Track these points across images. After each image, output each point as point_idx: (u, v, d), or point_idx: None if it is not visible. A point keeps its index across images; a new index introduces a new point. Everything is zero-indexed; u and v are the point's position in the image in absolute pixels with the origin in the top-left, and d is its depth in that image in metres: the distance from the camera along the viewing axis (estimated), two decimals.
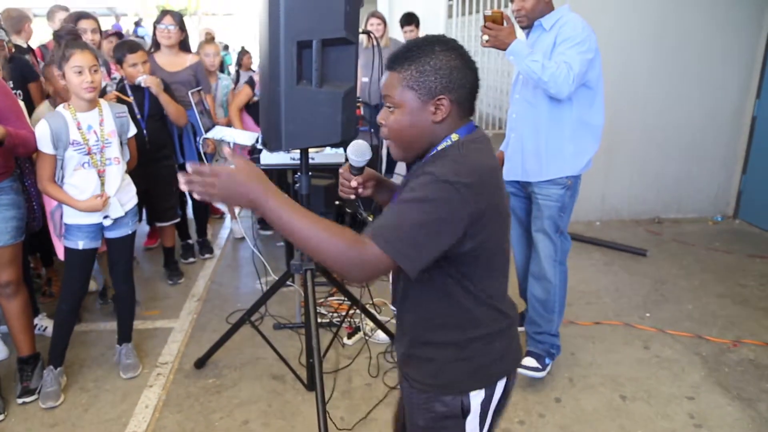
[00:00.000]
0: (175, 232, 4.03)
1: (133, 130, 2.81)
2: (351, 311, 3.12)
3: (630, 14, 4.71)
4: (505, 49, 2.52)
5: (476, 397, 1.33)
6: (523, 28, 2.71)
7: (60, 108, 2.58)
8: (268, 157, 3.01)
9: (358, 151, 1.48)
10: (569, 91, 2.46)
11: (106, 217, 2.64)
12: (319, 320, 3.30)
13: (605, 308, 3.49)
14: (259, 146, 3.14)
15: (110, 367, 2.92)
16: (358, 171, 1.49)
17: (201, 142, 3.30)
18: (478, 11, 7.71)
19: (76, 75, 2.46)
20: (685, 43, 4.83)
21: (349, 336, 3.14)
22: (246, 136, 3.21)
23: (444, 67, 1.21)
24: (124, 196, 2.72)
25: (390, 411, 2.57)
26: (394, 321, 3.19)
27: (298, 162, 2.97)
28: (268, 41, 2.11)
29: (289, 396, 2.70)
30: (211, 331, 3.24)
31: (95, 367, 2.94)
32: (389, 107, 1.27)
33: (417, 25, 5.34)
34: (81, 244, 2.65)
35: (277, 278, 3.09)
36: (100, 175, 2.61)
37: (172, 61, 3.85)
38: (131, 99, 3.30)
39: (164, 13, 3.87)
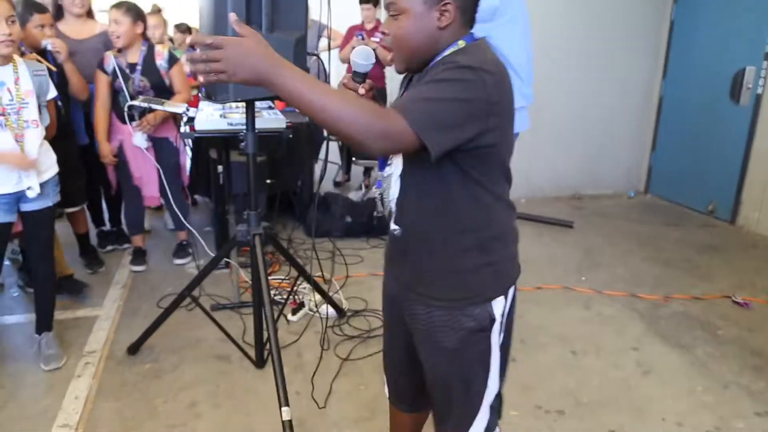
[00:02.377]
0: (88, 217, 3.68)
1: (53, 92, 2.53)
2: (295, 287, 2.98)
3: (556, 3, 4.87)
4: None
5: (498, 306, 1.32)
6: None
7: None
8: (203, 123, 2.81)
9: (363, 54, 1.38)
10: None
11: (29, 188, 2.35)
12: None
13: (544, 274, 3.56)
14: (189, 115, 2.93)
15: (29, 361, 2.61)
16: (362, 78, 1.40)
17: (126, 109, 3.02)
18: None
19: None
20: (595, 27, 5.06)
21: (294, 312, 3.00)
22: (176, 105, 2.98)
23: None
24: (43, 163, 2.44)
25: (348, 381, 2.48)
26: (339, 295, 3.14)
27: (237, 127, 2.83)
28: None
29: (238, 375, 2.52)
30: (142, 317, 2.98)
31: (11, 363, 2.61)
32: (393, 15, 1.24)
33: (375, 3, 5.25)
34: None
35: (213, 255, 2.93)
36: (18, 139, 2.32)
37: (78, 29, 3.48)
38: (52, 66, 2.98)
39: None
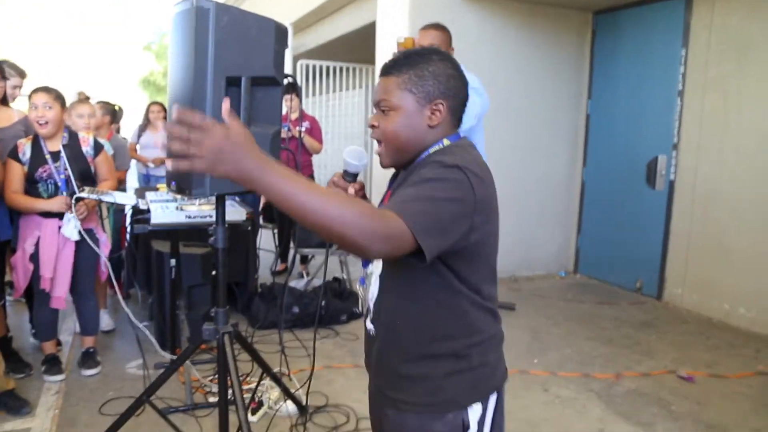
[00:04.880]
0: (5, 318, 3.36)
1: None
2: (254, 384, 2.83)
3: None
4: None
5: (474, 413, 1.27)
6: None
7: None
8: (159, 216, 2.70)
9: (356, 154, 1.38)
10: (472, 123, 2.68)
11: None
12: (210, 400, 2.97)
13: None
14: (141, 206, 2.82)
15: None
16: (353, 178, 1.40)
17: (74, 203, 2.83)
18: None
19: None
20: (520, 120, 5.45)
21: (253, 412, 2.82)
22: (126, 196, 2.86)
23: (442, 74, 1.24)
24: None
25: None
26: (302, 391, 2.99)
27: (196, 221, 2.75)
28: (192, 75, 1.94)
29: None
30: (83, 426, 2.71)
31: None
32: (384, 110, 1.26)
33: (297, 93, 5.37)
34: None
35: (167, 355, 2.74)
36: None
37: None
38: None
39: None
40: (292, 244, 5.14)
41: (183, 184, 2.06)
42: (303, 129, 5.18)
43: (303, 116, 5.36)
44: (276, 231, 5.62)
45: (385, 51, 5.38)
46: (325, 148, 5.58)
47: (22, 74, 3.62)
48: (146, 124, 5.69)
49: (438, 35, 2.83)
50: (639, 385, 3.30)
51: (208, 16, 1.91)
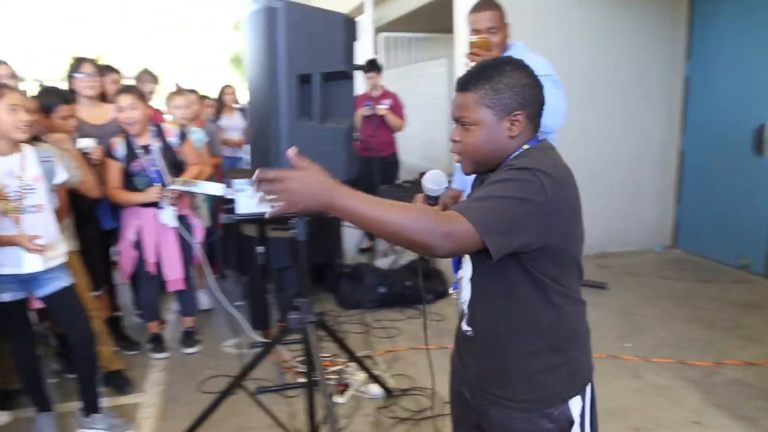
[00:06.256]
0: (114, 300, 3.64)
1: (61, 176, 2.56)
2: (340, 366, 2.92)
3: (562, 59, 4.95)
4: None
5: (576, 406, 1.31)
6: None
7: None
8: (245, 207, 2.82)
9: (436, 180, 1.44)
10: (562, 124, 2.51)
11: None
12: (300, 380, 3.08)
13: None
14: (229, 196, 2.95)
15: None
16: (434, 201, 1.46)
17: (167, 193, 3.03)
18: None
19: (10, 113, 2.29)
20: (613, 85, 5.14)
21: (341, 393, 2.92)
22: (214, 186, 3.00)
23: (517, 85, 1.26)
24: (52, 247, 2.45)
25: None
26: (384, 373, 3.05)
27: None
28: (266, 75, 1.98)
29: None
30: (184, 404, 2.92)
31: None
32: (464, 125, 1.29)
33: (378, 71, 5.35)
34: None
35: (254, 337, 2.88)
36: (17, 222, 2.35)
37: (95, 114, 3.45)
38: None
39: (80, 60, 3.41)
40: None
41: None
42: (385, 106, 5.17)
43: (385, 93, 5.34)
44: None
45: (464, 19, 5.25)
46: (409, 121, 5.54)
47: (156, 80, 3.87)
48: (222, 107, 5.83)
49: (492, 16, 2.70)
50: (742, 374, 3.10)
51: (278, 15, 1.93)
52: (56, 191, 2.58)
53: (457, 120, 1.31)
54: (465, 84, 1.29)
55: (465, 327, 1.40)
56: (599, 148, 5.19)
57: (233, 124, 5.59)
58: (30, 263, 2.38)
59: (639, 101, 5.26)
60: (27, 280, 2.43)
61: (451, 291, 1.50)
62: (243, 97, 5.89)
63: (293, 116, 1.98)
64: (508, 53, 2.71)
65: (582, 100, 5.05)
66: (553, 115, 2.52)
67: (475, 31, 2.71)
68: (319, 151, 2.03)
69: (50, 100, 2.95)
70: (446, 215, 1.11)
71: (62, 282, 2.50)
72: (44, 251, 2.36)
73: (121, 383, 3.09)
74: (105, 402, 2.84)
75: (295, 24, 1.94)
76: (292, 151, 1.15)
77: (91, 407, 2.64)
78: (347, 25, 2.07)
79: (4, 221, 2.33)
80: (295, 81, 1.97)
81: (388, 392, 2.91)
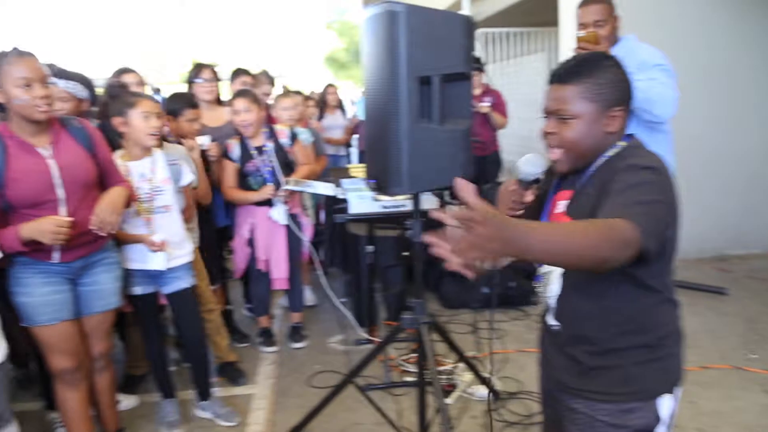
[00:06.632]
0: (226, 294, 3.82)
1: (188, 178, 2.73)
2: (447, 366, 2.92)
3: (680, 51, 4.67)
4: None
5: (665, 405, 1.29)
6: None
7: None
8: (357, 207, 2.87)
9: (532, 162, 1.43)
10: (673, 113, 2.44)
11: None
12: (406, 379, 3.11)
13: (706, 351, 3.26)
14: (340, 196, 3.01)
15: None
16: (528, 185, 1.45)
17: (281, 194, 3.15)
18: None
19: (143, 120, 2.44)
20: (734, 78, 4.79)
21: (447, 394, 2.91)
22: (326, 186, 3.08)
23: (618, 80, 1.28)
24: (178, 246, 2.61)
25: None
26: (492, 375, 3.02)
27: (391, 210, 2.87)
28: (386, 78, 1.99)
29: None
30: (295, 396, 3.02)
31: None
32: (562, 119, 1.28)
33: (481, 69, 5.26)
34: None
35: (360, 334, 2.92)
36: (148, 223, 2.51)
37: (213, 116, 3.66)
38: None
39: (200, 66, 3.65)
40: None
41: (381, 182, 2.15)
42: (487, 104, 5.10)
43: (486, 91, 5.27)
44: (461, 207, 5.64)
45: (570, 12, 5.08)
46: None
47: (272, 82, 4.05)
48: (324, 106, 5.95)
49: (598, 9, 2.64)
50: None
51: (399, 19, 1.94)
52: (183, 192, 2.73)
53: (554, 113, 1.30)
54: (564, 77, 1.28)
55: (551, 321, 1.39)
56: (716, 144, 4.85)
57: (335, 123, 5.71)
58: (155, 262, 2.53)
59: (760, 94, 4.87)
60: (155, 276, 2.59)
61: (534, 282, 1.52)
62: (344, 96, 6.01)
63: (413, 118, 1.98)
64: (618, 46, 2.66)
65: (705, 96, 4.75)
66: (664, 104, 2.43)
67: (582, 25, 2.70)
68: (438, 152, 2.04)
69: (177, 104, 3.13)
70: (615, 225, 1.06)
71: (184, 282, 2.65)
72: (165, 250, 2.51)
73: (234, 374, 3.24)
74: (219, 392, 3.00)
75: (415, 27, 1.94)
76: (461, 182, 1.07)
77: (205, 394, 2.81)
78: (467, 26, 2.05)
79: (136, 221, 2.50)
80: (415, 83, 1.97)
81: (496, 395, 2.87)
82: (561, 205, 1.37)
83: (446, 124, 2.05)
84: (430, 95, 2.02)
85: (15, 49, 2.02)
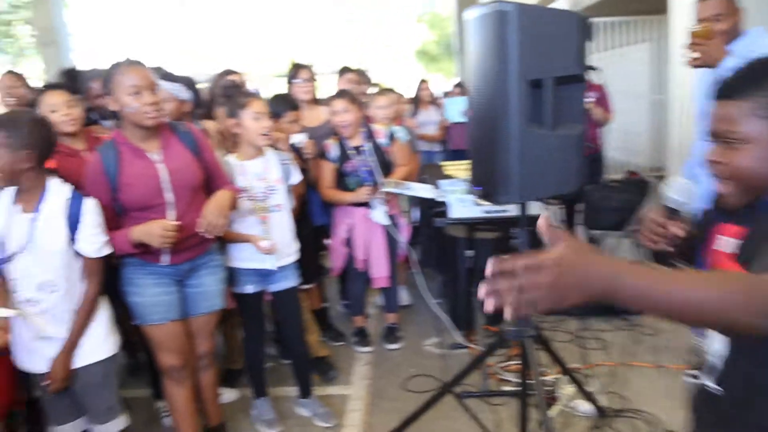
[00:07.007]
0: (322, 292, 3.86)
1: (296, 177, 2.79)
2: (548, 378, 2.80)
3: None
4: (715, 67, 2.29)
5: None
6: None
7: (227, 157, 2.61)
8: (459, 211, 2.81)
9: (682, 190, 1.24)
10: None
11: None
12: (504, 388, 3.02)
13: None
14: (439, 199, 2.96)
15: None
16: (675, 213, 1.25)
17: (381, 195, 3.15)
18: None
19: (255, 121, 2.48)
20: None
21: (549, 407, 2.80)
22: (425, 188, 3.03)
23: None
24: (288, 246, 2.67)
25: None
26: (598, 389, 2.85)
27: (493, 215, 2.79)
28: (494, 80, 1.92)
29: None
30: (390, 399, 3.01)
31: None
32: (729, 142, 1.07)
33: None
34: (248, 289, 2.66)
35: (458, 339, 2.86)
36: (263, 221, 2.55)
37: (310, 116, 3.67)
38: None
39: (298, 67, 3.68)
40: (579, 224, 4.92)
41: (488, 189, 2.08)
42: (591, 99, 4.85)
43: (588, 86, 5.01)
44: (562, 209, 5.42)
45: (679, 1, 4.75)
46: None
47: (369, 81, 4.08)
48: (418, 102, 5.88)
49: (720, 2, 2.39)
50: None
51: (510, 19, 1.86)
52: (292, 192, 2.79)
53: (720, 135, 1.08)
54: (730, 91, 1.06)
55: (711, 384, 1.16)
56: None
57: (429, 119, 5.65)
58: (268, 261, 2.59)
59: None
60: (266, 275, 2.65)
61: (693, 337, 1.27)
62: (438, 91, 5.94)
63: (523, 123, 1.90)
64: (740, 41, 2.42)
65: None
66: None
67: (699, 19, 2.47)
68: (549, 158, 1.95)
69: (279, 106, 3.19)
70: (759, 279, 0.88)
71: (290, 282, 2.71)
72: (273, 252, 2.56)
73: (324, 369, 3.28)
74: (315, 391, 3.03)
75: (527, 27, 1.86)
76: (543, 220, 0.89)
77: (306, 391, 2.87)
78: (582, 26, 1.94)
79: (250, 220, 2.57)
80: (525, 86, 1.88)
81: (601, 411, 2.72)
82: (723, 241, 1.18)
83: (558, 129, 1.95)
84: (542, 99, 1.92)
85: (127, 59, 2.12)
